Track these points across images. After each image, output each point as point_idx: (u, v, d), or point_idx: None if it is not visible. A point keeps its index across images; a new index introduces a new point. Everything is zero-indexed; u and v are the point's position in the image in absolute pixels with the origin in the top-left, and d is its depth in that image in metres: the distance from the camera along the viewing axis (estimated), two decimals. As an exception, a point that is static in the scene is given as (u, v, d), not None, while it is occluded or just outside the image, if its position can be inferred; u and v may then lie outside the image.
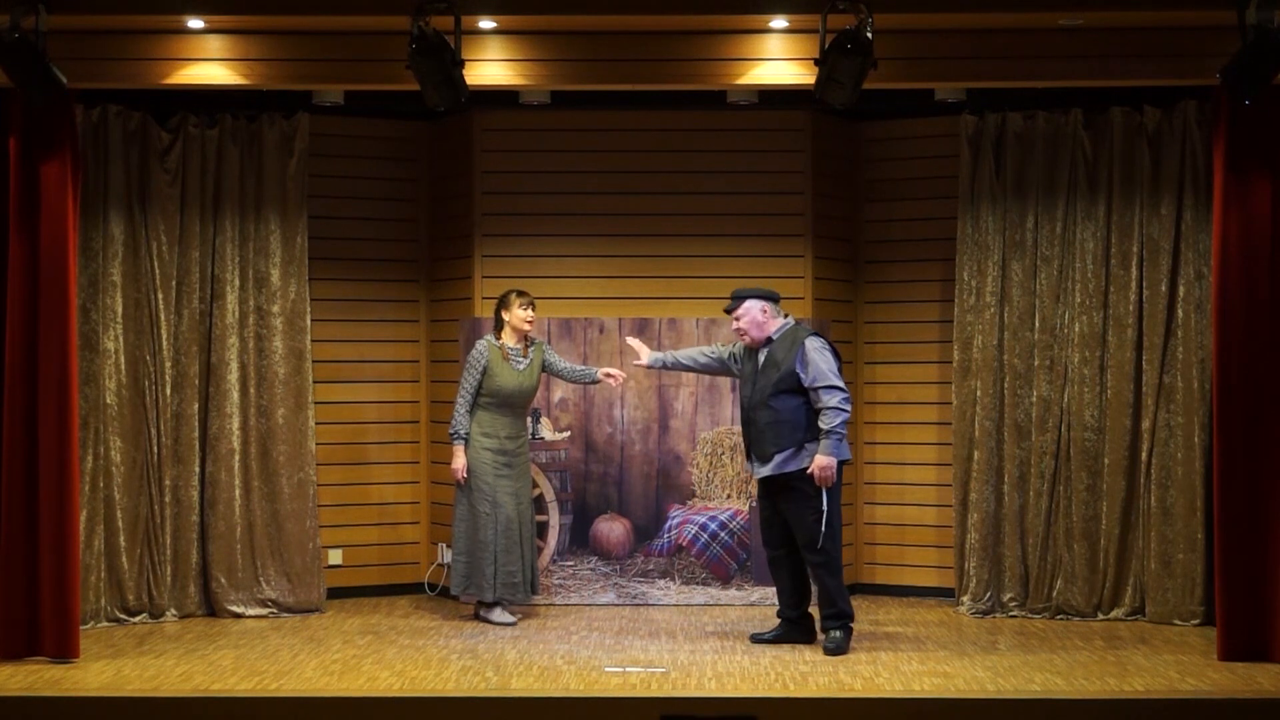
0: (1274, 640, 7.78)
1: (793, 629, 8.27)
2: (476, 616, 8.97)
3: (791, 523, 8.17)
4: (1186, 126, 8.92)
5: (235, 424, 9.17)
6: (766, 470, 8.17)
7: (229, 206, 9.20)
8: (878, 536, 9.83)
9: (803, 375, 8.08)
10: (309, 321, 9.33)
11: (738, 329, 8.28)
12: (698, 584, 9.47)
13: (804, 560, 8.20)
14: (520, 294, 8.94)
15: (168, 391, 9.04)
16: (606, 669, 7.61)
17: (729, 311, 8.31)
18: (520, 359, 8.91)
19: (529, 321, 8.91)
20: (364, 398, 9.78)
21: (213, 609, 9.16)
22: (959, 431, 9.26)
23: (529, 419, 9.32)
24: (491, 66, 7.87)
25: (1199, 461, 8.82)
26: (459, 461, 8.83)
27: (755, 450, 8.23)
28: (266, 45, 7.84)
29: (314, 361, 9.37)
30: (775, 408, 8.11)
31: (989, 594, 9.20)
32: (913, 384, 9.71)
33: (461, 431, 8.85)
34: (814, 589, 8.23)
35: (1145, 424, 8.99)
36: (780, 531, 8.25)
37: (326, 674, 7.55)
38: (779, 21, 7.64)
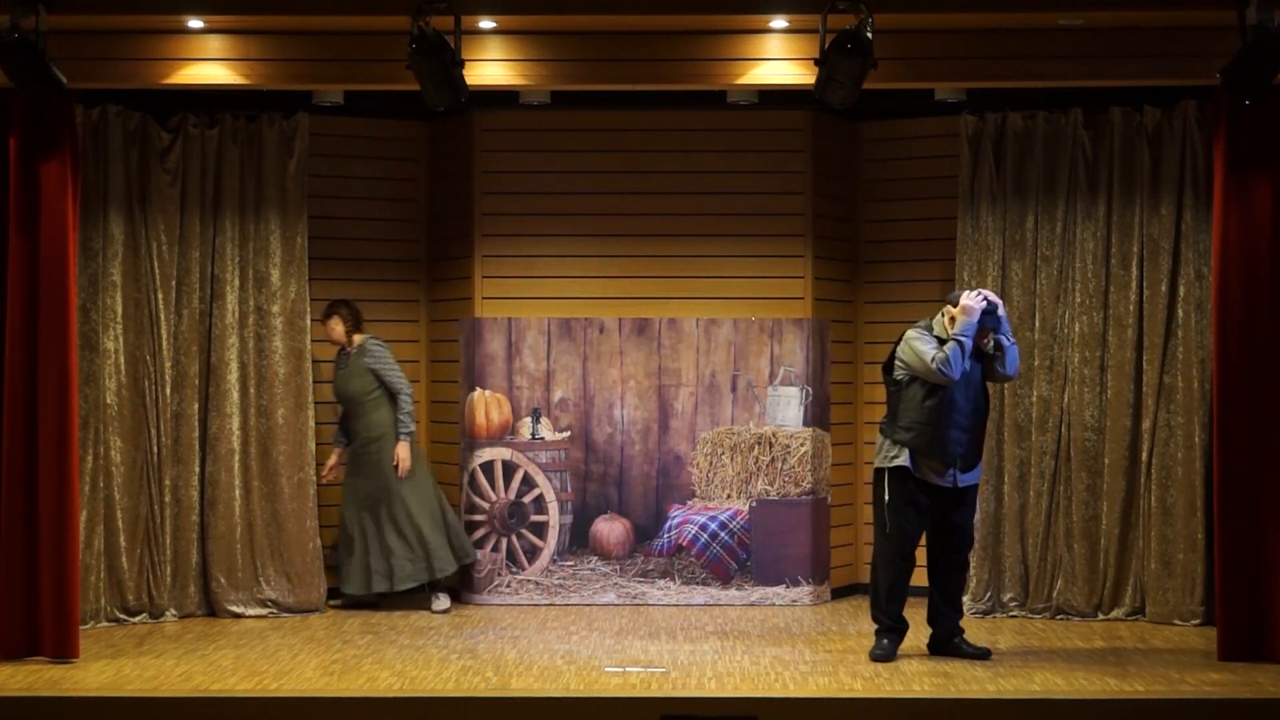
0: (1274, 640, 7.77)
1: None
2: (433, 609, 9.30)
3: (962, 534, 7.96)
4: (1186, 126, 8.92)
5: (235, 424, 9.17)
6: (973, 478, 7.94)
7: (229, 206, 9.20)
8: (878, 536, 9.82)
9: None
10: (309, 321, 9.34)
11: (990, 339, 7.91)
12: (698, 584, 9.47)
13: (953, 565, 8.00)
14: (329, 305, 9.42)
15: (168, 391, 9.04)
16: (606, 669, 7.61)
17: (996, 328, 7.82)
18: (345, 363, 9.39)
19: (329, 335, 9.39)
20: (364, 398, 9.77)
21: (213, 609, 9.16)
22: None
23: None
24: (491, 66, 7.87)
25: (1199, 461, 8.82)
26: (330, 461, 9.45)
27: (968, 458, 7.86)
28: (266, 45, 7.84)
29: (314, 361, 9.38)
30: (985, 412, 8.00)
31: (989, 594, 9.20)
32: (913, 384, 9.70)
33: (333, 437, 9.52)
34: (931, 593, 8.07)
35: (1145, 424, 8.99)
36: (920, 538, 7.99)
37: (326, 674, 7.55)
38: (779, 21, 7.63)
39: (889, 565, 7.90)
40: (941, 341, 7.78)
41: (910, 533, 7.89)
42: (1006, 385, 9.15)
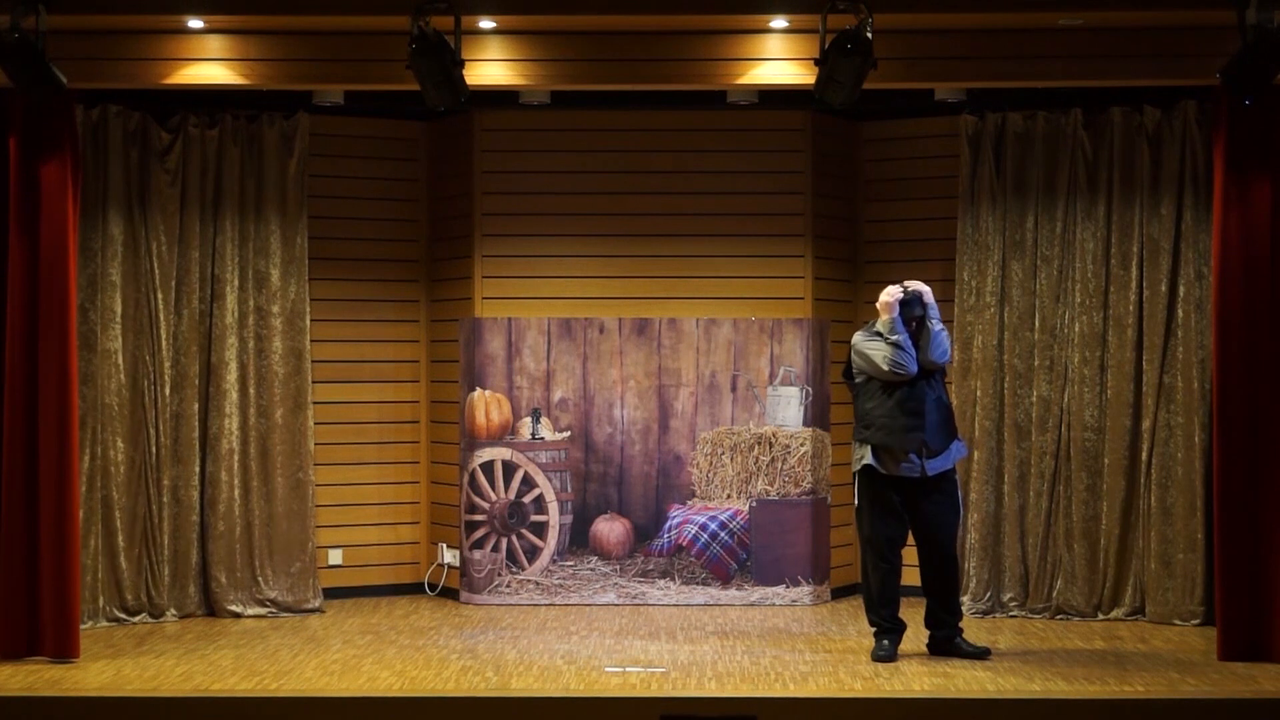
0: (1274, 640, 7.77)
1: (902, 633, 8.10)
2: None
3: (939, 523, 7.90)
4: (1186, 126, 8.92)
5: (235, 424, 9.17)
6: (942, 464, 7.87)
7: (229, 206, 9.20)
8: (878, 536, 9.82)
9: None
10: (309, 321, 9.34)
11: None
12: (698, 584, 9.47)
13: (941, 562, 7.93)
14: None
15: (167, 391, 9.03)
16: (606, 669, 7.61)
17: (924, 314, 7.88)
18: None
19: None
20: (364, 398, 9.78)
21: (212, 609, 9.16)
22: (959, 431, 9.26)
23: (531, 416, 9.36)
24: (491, 66, 7.87)
25: (1199, 461, 8.81)
26: None
27: (932, 444, 7.81)
28: (266, 45, 7.84)
29: (314, 361, 9.38)
30: (941, 396, 7.96)
31: (989, 594, 9.20)
32: (913, 384, 9.70)
33: None
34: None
35: (1145, 424, 8.99)
36: (903, 540, 7.99)
37: (326, 674, 7.55)
38: (779, 21, 7.64)
39: (874, 569, 7.95)
40: (883, 336, 7.89)
41: (886, 534, 7.90)
42: (1005, 385, 9.15)
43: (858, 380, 8.00)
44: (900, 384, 7.84)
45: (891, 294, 7.91)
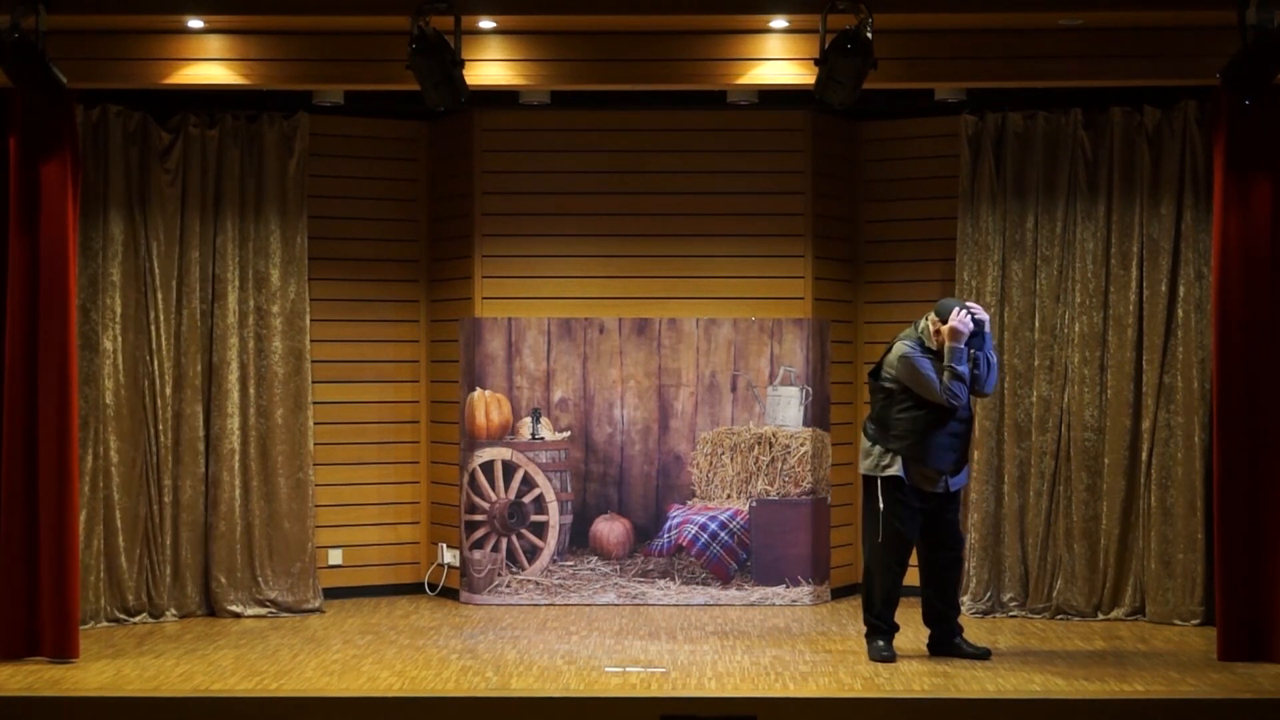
0: (1274, 640, 7.78)
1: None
2: None
3: (952, 528, 7.93)
4: (1186, 126, 8.92)
5: (235, 424, 9.18)
6: (962, 480, 7.94)
7: (229, 206, 9.21)
8: (878, 536, 9.82)
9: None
10: (309, 321, 9.34)
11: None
12: (698, 584, 9.47)
13: (948, 563, 7.98)
14: None
15: (167, 392, 9.04)
16: (606, 669, 7.61)
17: (981, 346, 7.80)
18: None
19: None
20: (364, 398, 9.78)
21: (212, 609, 9.16)
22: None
23: (530, 419, 9.36)
24: (491, 66, 7.87)
25: (1199, 461, 8.82)
26: None
27: (958, 464, 7.86)
28: (266, 45, 7.84)
29: (314, 361, 9.38)
30: (972, 415, 7.96)
31: (989, 594, 9.20)
32: (913, 384, 9.70)
33: None
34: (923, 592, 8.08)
35: (1145, 424, 8.99)
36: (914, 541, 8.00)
37: (326, 674, 7.55)
38: (779, 21, 7.64)
39: (886, 571, 7.88)
40: (932, 353, 7.76)
41: (908, 539, 7.89)
42: (1005, 385, 9.15)
43: (888, 386, 7.87)
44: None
45: (964, 324, 7.67)
